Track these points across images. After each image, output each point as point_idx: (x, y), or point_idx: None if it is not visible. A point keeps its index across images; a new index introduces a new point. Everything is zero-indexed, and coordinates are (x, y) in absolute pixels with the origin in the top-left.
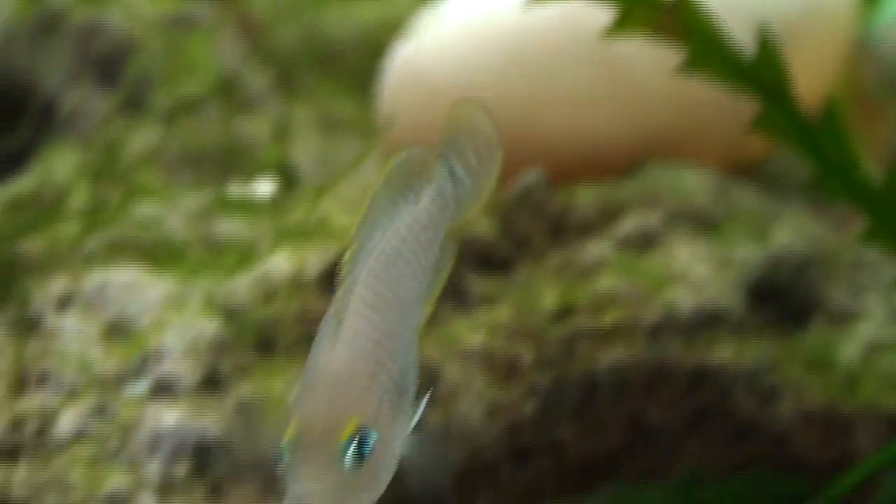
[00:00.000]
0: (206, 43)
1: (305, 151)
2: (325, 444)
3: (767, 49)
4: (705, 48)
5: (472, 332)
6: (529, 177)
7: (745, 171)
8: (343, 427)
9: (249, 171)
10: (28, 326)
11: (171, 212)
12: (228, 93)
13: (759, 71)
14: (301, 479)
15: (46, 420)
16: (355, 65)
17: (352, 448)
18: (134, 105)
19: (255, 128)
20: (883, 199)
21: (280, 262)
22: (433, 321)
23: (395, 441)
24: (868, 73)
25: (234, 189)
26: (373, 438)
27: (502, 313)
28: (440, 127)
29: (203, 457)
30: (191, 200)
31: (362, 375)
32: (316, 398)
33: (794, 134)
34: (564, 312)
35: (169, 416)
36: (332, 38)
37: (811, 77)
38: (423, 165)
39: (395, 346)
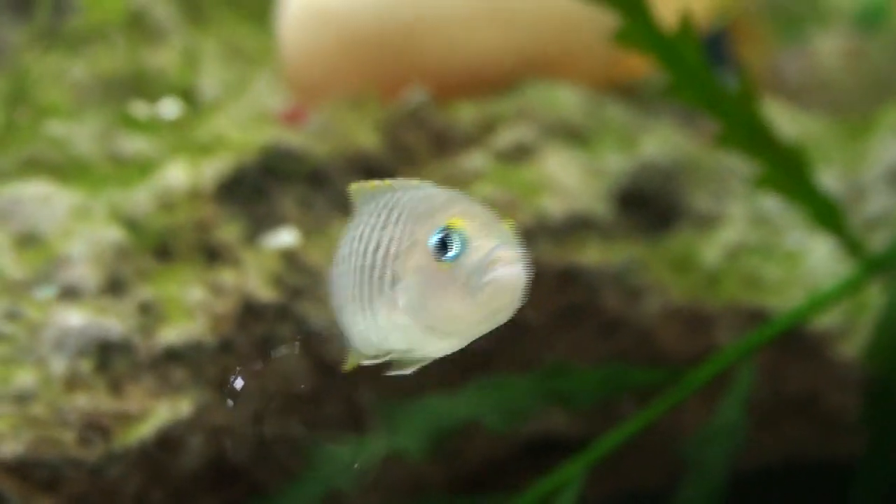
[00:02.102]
0: None
1: (209, 77)
2: (503, 228)
3: None
4: None
5: None
6: (414, 94)
7: (621, 89)
8: (505, 219)
9: (155, 95)
10: None
11: (79, 131)
12: (138, 23)
13: None
14: (508, 254)
15: None
16: None
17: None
18: (46, 35)
19: (163, 56)
20: (735, 106)
21: (178, 175)
22: (321, 228)
23: None
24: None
25: (140, 110)
26: None
27: None
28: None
29: (105, 355)
30: (98, 121)
31: None
32: (469, 204)
33: (652, 46)
34: None
35: (74, 318)
36: None
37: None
38: None
39: None
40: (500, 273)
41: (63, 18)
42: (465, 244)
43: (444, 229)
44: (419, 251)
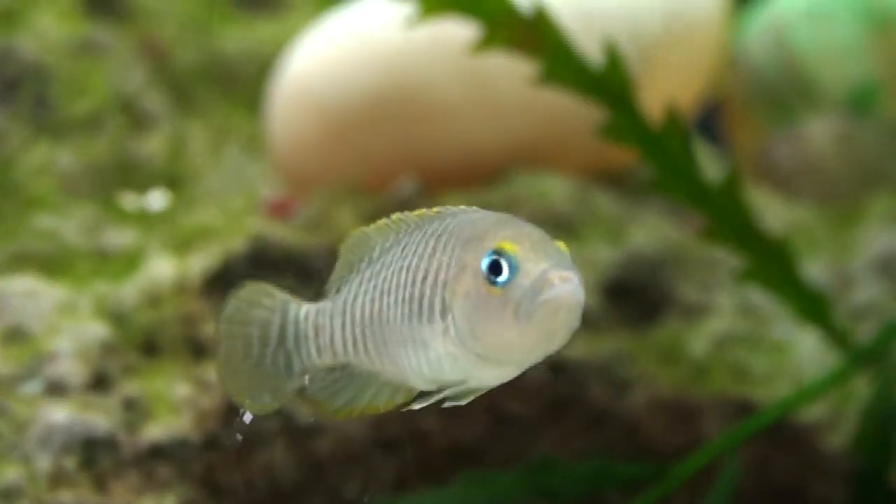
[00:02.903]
0: (108, 65)
1: (199, 166)
2: (557, 250)
3: (614, 61)
4: (558, 61)
5: None
6: (404, 184)
7: (608, 179)
8: (558, 241)
9: (144, 185)
10: None
11: (66, 224)
12: (128, 112)
13: (606, 81)
14: (563, 274)
15: None
16: (252, 83)
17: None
18: (35, 124)
19: (152, 145)
20: (720, 200)
21: (165, 269)
22: None
23: None
24: (737, 82)
25: (128, 202)
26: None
27: None
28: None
29: (90, 451)
30: (85, 213)
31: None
32: (522, 226)
33: (638, 139)
34: None
35: (60, 414)
36: (230, 57)
37: (679, 84)
38: None
39: None
40: (554, 294)
41: (52, 107)
42: (516, 267)
43: (494, 252)
44: (469, 277)
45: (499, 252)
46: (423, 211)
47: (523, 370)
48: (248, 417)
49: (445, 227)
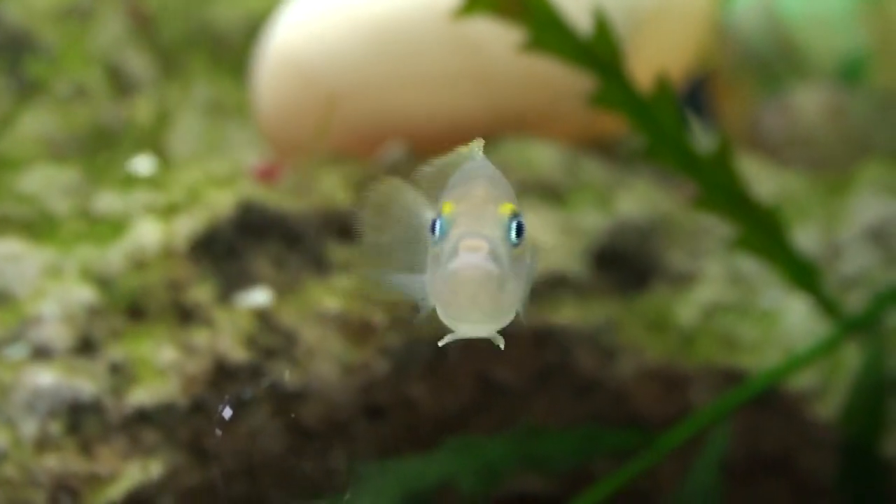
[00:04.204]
0: (94, 30)
1: (187, 133)
2: (491, 214)
3: (602, 29)
4: (545, 28)
5: (329, 296)
6: (392, 151)
7: (598, 147)
8: (503, 205)
9: (129, 150)
10: None
11: (52, 188)
12: (115, 78)
13: (594, 49)
14: (470, 242)
15: None
16: (240, 50)
17: (514, 223)
18: (20, 89)
19: (139, 111)
20: (711, 168)
21: (151, 233)
22: (294, 287)
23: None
24: (727, 53)
25: (113, 166)
26: (524, 227)
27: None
28: (310, 107)
29: (76, 416)
30: (70, 177)
31: (508, 194)
32: (475, 186)
33: (628, 107)
34: None
35: (45, 378)
36: (219, 26)
37: (670, 55)
38: None
39: None
40: (456, 263)
41: (35, 71)
42: (444, 229)
43: (438, 211)
44: (430, 230)
45: (441, 212)
46: (465, 151)
47: (481, 332)
48: (227, 412)
49: (455, 175)
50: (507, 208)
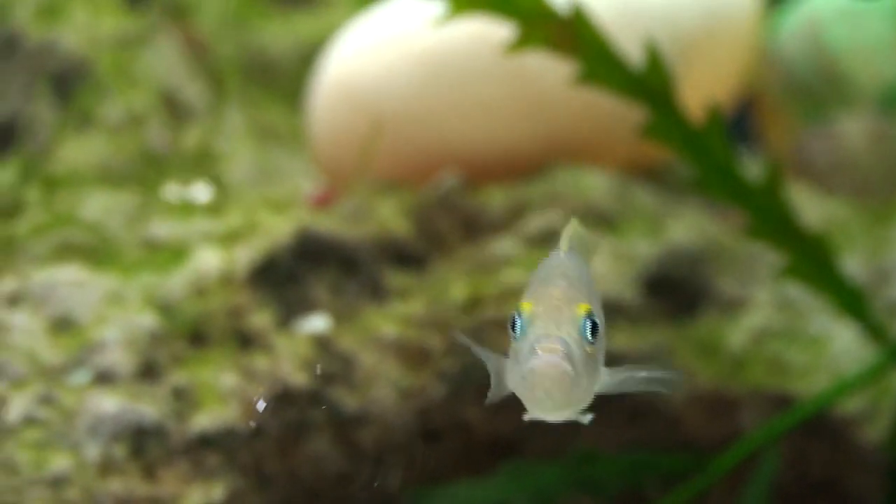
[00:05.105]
0: (149, 58)
1: (241, 159)
2: (567, 315)
3: (655, 62)
4: (597, 61)
5: (387, 322)
6: (446, 179)
7: (648, 175)
8: (579, 304)
9: (188, 177)
10: None
11: (113, 215)
12: (170, 105)
13: (646, 82)
14: (547, 345)
15: None
16: (292, 77)
17: (588, 324)
18: (82, 118)
19: (195, 137)
20: (761, 198)
21: (212, 260)
22: (352, 313)
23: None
24: (771, 79)
25: (172, 194)
26: (598, 327)
27: (416, 305)
28: (364, 134)
29: (139, 440)
30: (131, 205)
31: (586, 289)
32: (551, 286)
33: (679, 139)
34: (473, 304)
35: (109, 403)
36: (271, 52)
37: (716, 82)
38: None
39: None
40: (532, 364)
41: (98, 101)
42: (523, 328)
43: (517, 310)
44: (510, 327)
45: (519, 310)
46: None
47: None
48: (262, 405)
49: (538, 270)
50: (582, 309)
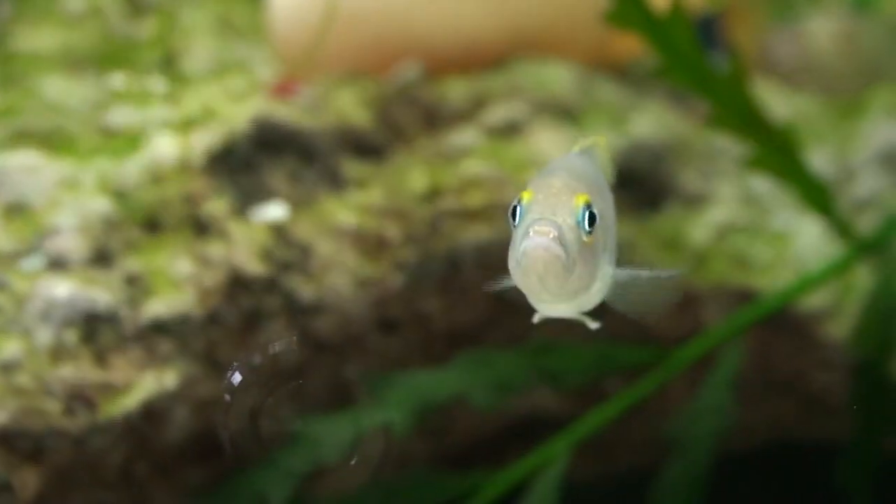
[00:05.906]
0: None
1: (201, 50)
2: (564, 202)
3: None
4: None
5: (345, 211)
6: (406, 69)
7: (613, 69)
8: (578, 196)
9: (144, 67)
10: None
11: (68, 103)
12: None
13: None
14: (540, 227)
15: None
16: None
17: (586, 213)
18: (38, 8)
19: (153, 29)
20: (726, 88)
21: (168, 147)
22: (310, 202)
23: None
24: None
25: (129, 82)
26: (596, 217)
27: (374, 195)
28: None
29: (91, 326)
30: (87, 93)
31: (593, 185)
32: (554, 177)
33: (643, 26)
34: (432, 194)
35: (61, 288)
36: None
37: None
38: None
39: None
40: (525, 245)
41: None
42: (521, 214)
43: (518, 198)
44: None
45: (519, 199)
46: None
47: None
48: (237, 378)
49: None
50: (581, 198)
